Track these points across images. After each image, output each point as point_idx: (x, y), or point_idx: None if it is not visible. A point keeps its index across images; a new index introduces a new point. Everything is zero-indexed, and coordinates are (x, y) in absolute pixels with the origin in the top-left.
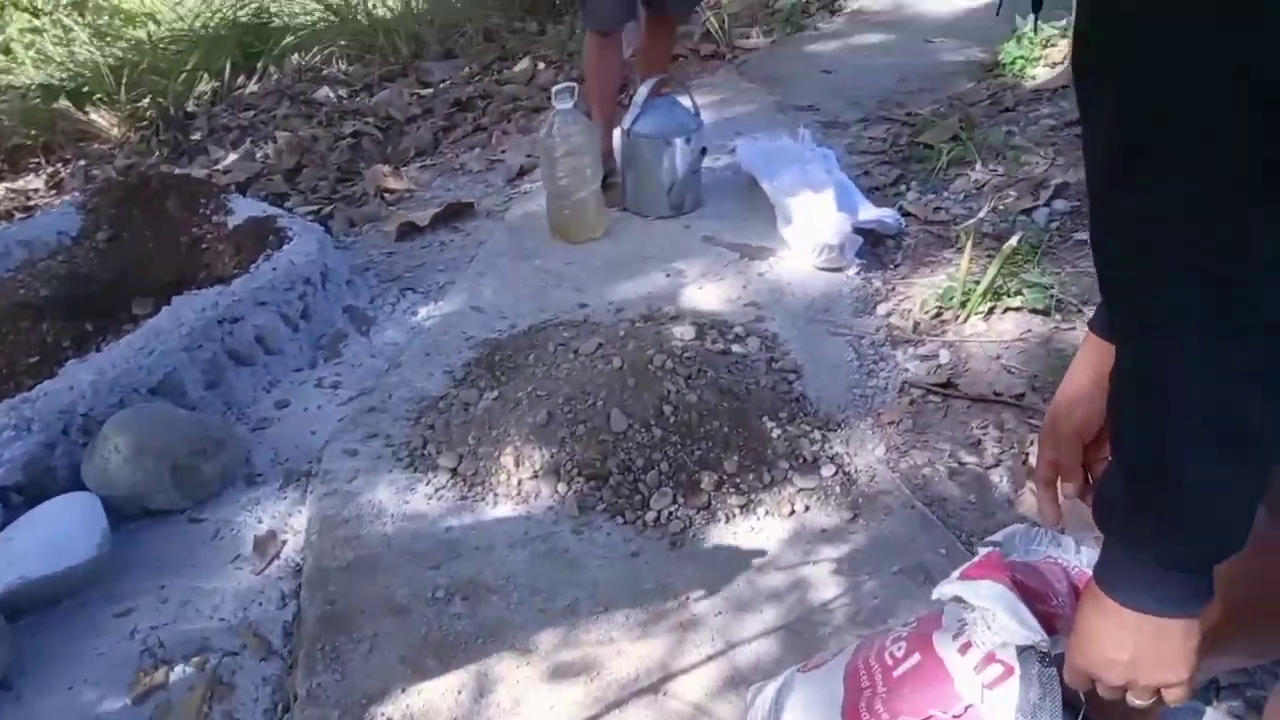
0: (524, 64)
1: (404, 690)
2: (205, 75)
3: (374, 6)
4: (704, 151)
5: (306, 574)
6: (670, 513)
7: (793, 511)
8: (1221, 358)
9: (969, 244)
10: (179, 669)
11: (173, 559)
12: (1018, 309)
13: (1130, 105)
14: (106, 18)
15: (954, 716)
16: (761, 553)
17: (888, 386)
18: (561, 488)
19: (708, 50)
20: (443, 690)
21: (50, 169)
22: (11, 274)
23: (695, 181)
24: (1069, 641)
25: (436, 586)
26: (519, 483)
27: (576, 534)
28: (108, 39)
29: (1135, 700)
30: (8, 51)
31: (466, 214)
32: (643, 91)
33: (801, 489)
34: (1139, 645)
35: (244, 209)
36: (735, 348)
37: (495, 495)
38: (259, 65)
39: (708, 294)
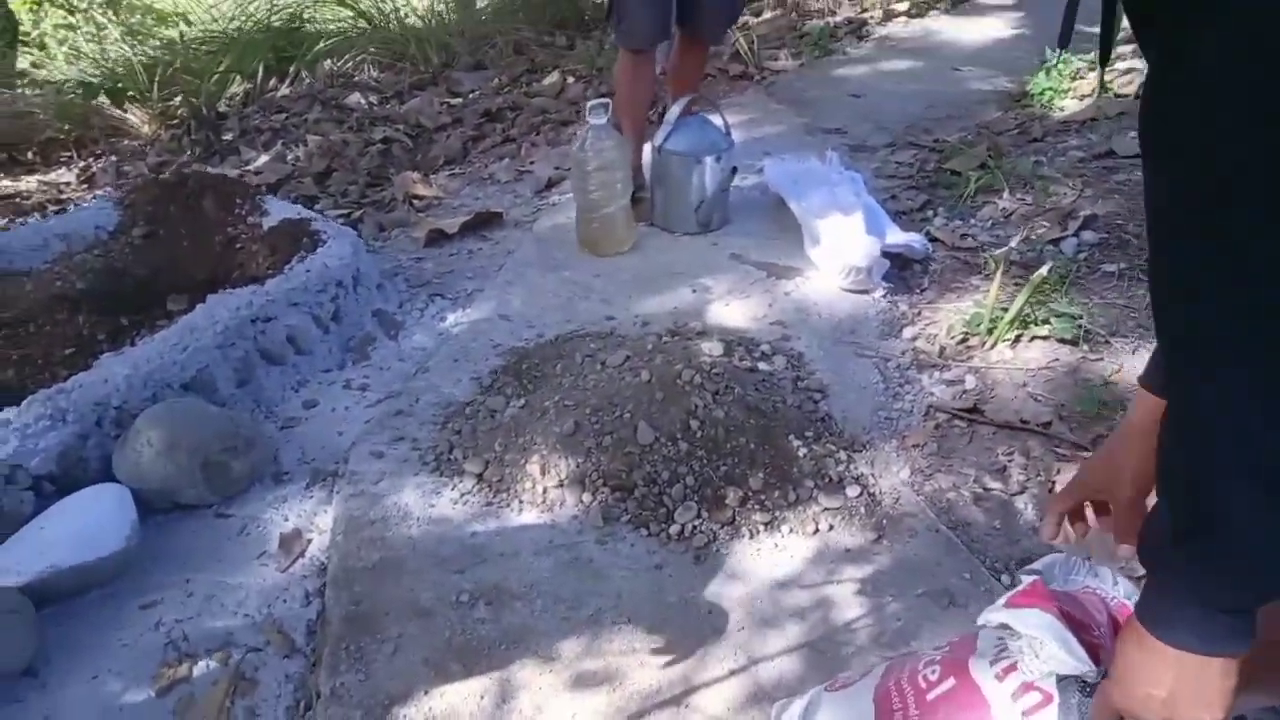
0: (553, 77)
1: (426, 693)
2: (238, 77)
3: (405, 16)
4: (734, 171)
5: (331, 573)
6: (694, 526)
7: (817, 530)
8: (1275, 408)
9: (999, 271)
10: (202, 663)
11: (199, 553)
12: (1045, 338)
13: (1212, 156)
14: (139, 16)
15: None
16: (785, 570)
17: (913, 410)
18: (587, 497)
19: (736, 70)
20: (465, 694)
21: (82, 163)
22: (49, 266)
23: (724, 200)
24: (1105, 680)
25: (461, 591)
26: (544, 491)
27: (601, 544)
28: (140, 37)
29: None
30: (42, 46)
31: (495, 223)
32: (675, 110)
33: (826, 508)
34: (1178, 682)
35: (279, 211)
36: (762, 365)
37: (520, 502)
38: (291, 69)
39: (734, 311)
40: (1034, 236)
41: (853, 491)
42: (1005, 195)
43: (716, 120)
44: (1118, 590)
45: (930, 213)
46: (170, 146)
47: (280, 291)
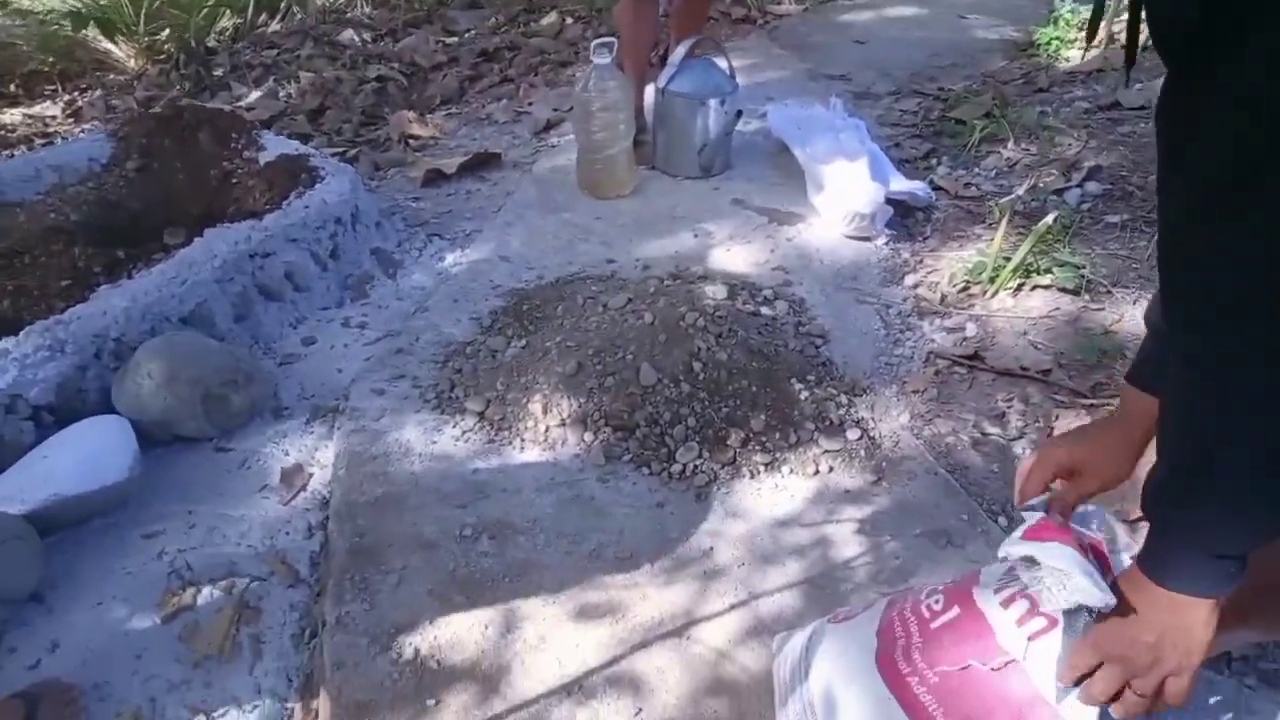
0: (551, 17)
1: (432, 622)
2: (227, 11)
3: None
4: (739, 115)
5: (334, 507)
6: (696, 466)
7: (817, 471)
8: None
9: (1004, 220)
10: (207, 590)
11: (200, 486)
12: (1046, 287)
13: (1246, 136)
14: None
15: (994, 669)
16: (785, 509)
17: (914, 356)
18: (588, 437)
19: (739, 14)
20: (470, 624)
21: (67, 96)
22: (41, 198)
23: (726, 144)
24: (1096, 623)
25: (464, 525)
26: (546, 430)
27: (602, 482)
28: None
29: (1131, 705)
30: None
31: (493, 164)
32: (680, 51)
33: (826, 450)
34: (1166, 626)
35: (276, 146)
36: (764, 310)
37: (522, 441)
38: (282, 4)
39: (735, 256)
40: (1039, 186)
41: (853, 434)
42: (1010, 145)
43: (721, 63)
44: (1100, 534)
45: (934, 161)
46: (158, 81)
47: (279, 227)
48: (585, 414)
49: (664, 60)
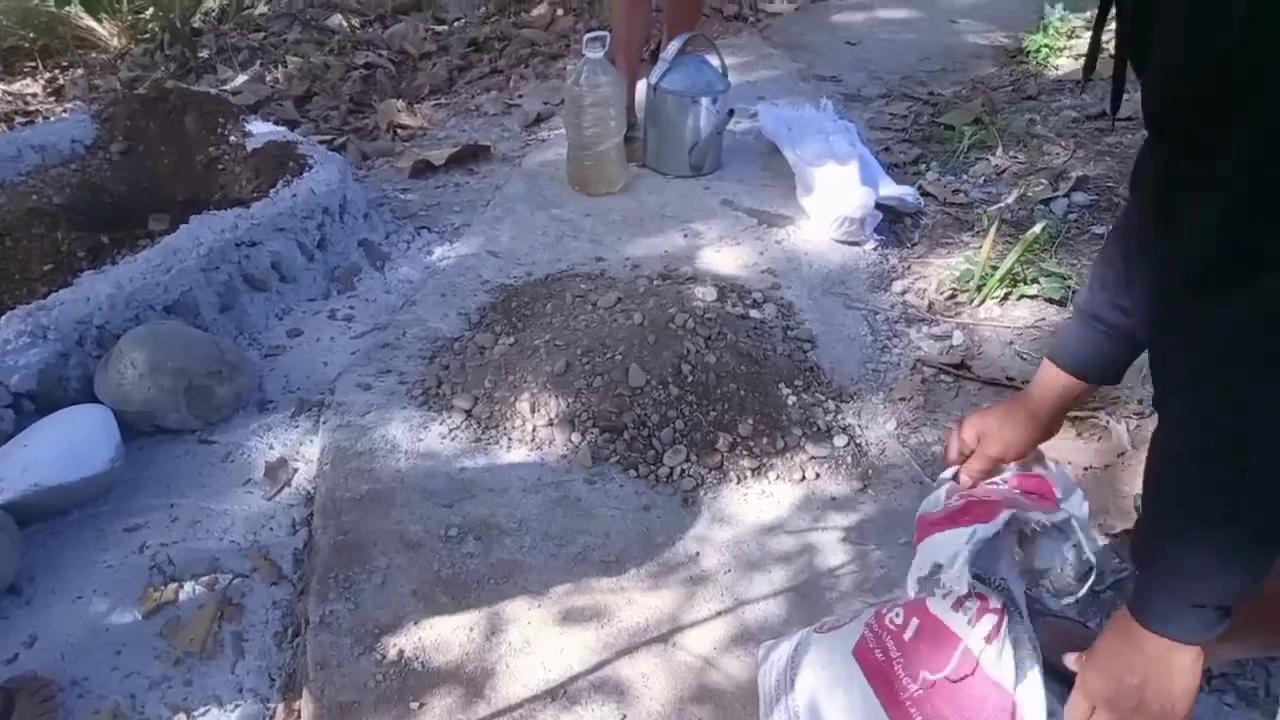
0: (541, 8)
1: (416, 623)
2: None
3: None
4: (731, 114)
5: (319, 503)
6: (683, 470)
7: (804, 478)
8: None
9: (993, 229)
10: (189, 586)
11: (183, 478)
12: (1033, 297)
13: (1240, 218)
14: None
15: (962, 677)
16: (772, 516)
17: (900, 363)
18: (576, 437)
19: (731, 11)
20: (454, 626)
21: (48, 74)
22: (24, 179)
23: (717, 143)
24: (1085, 662)
25: (449, 525)
26: (534, 429)
27: (589, 484)
28: None
29: None
30: None
31: (483, 157)
32: (673, 47)
33: (813, 456)
34: (1150, 670)
35: (263, 133)
36: (753, 313)
37: (509, 440)
38: None
39: (724, 257)
40: (1027, 195)
41: (840, 441)
42: (998, 152)
43: (714, 61)
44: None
45: (923, 166)
46: (142, 61)
47: (266, 216)
48: (573, 414)
49: (656, 56)
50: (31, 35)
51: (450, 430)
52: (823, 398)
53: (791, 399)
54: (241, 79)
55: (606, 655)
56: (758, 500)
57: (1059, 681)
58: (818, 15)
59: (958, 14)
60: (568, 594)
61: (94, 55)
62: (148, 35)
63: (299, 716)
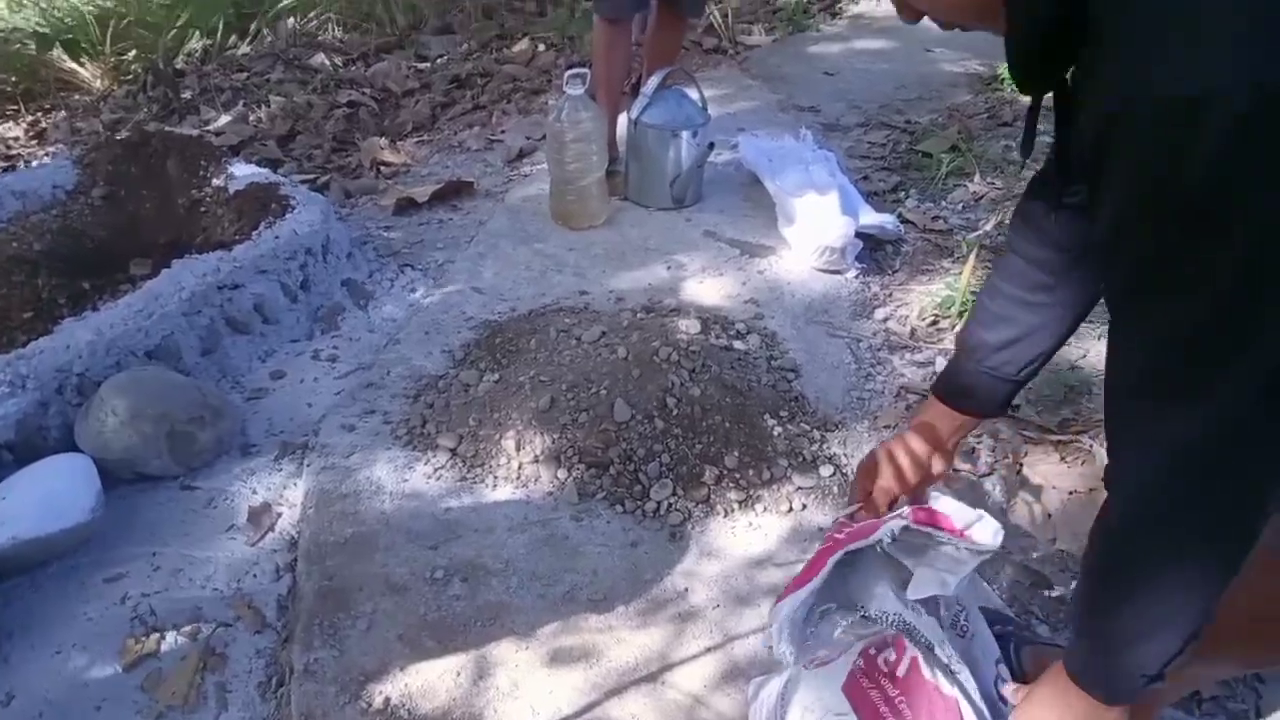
0: (523, 44)
1: (402, 669)
2: (196, 32)
3: None
4: (712, 146)
5: (303, 548)
6: (670, 504)
7: (791, 509)
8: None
9: (972, 255)
10: (171, 638)
11: (165, 526)
12: None
13: (1202, 325)
14: None
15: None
16: (760, 548)
17: (884, 390)
18: (562, 474)
19: (710, 44)
20: (441, 671)
21: (30, 117)
22: (4, 226)
23: (698, 175)
24: (1020, 705)
25: (435, 567)
26: (519, 467)
27: (576, 520)
28: None
29: None
30: None
31: (466, 193)
32: (653, 82)
33: (800, 487)
34: None
35: (245, 174)
36: (737, 344)
37: (495, 478)
38: (252, 27)
39: (708, 289)
40: (1005, 221)
41: (826, 471)
42: (976, 178)
43: (693, 94)
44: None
45: (902, 194)
46: (125, 103)
47: (248, 258)
48: (559, 450)
49: (636, 90)
50: (14, 79)
51: (435, 470)
52: (808, 427)
53: (777, 430)
54: (225, 119)
55: (595, 696)
56: (745, 533)
57: None
58: (795, 46)
59: (932, 43)
60: (555, 634)
61: (77, 98)
62: (130, 77)
63: None
